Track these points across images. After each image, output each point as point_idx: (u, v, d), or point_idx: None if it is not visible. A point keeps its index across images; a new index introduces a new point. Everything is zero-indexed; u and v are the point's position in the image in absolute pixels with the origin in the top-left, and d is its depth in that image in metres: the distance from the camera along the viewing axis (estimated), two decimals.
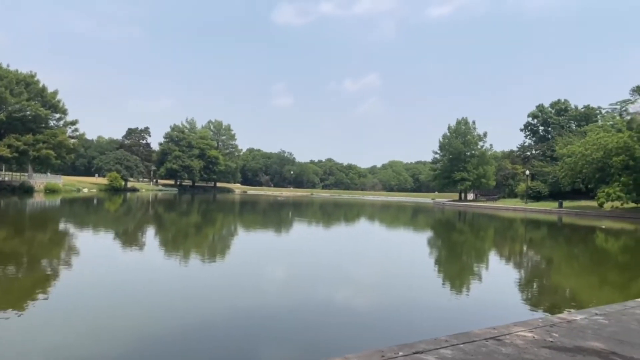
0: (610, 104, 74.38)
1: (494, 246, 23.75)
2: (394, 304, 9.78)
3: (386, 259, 16.79)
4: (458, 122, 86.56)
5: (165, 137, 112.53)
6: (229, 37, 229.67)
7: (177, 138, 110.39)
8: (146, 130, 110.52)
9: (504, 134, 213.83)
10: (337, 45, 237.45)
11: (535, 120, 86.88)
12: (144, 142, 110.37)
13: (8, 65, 62.94)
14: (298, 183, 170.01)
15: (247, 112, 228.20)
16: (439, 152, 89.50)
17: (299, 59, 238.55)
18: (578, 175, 54.89)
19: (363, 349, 4.10)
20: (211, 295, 9.70)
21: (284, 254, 16.96)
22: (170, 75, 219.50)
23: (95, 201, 50.79)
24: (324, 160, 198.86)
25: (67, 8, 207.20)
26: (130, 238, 20.07)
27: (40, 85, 65.18)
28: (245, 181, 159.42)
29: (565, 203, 58.65)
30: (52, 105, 66.39)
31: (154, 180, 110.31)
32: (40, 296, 8.99)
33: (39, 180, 64.51)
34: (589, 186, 55.65)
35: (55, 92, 66.88)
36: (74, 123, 70.77)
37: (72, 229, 23.04)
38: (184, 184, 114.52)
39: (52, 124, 68.28)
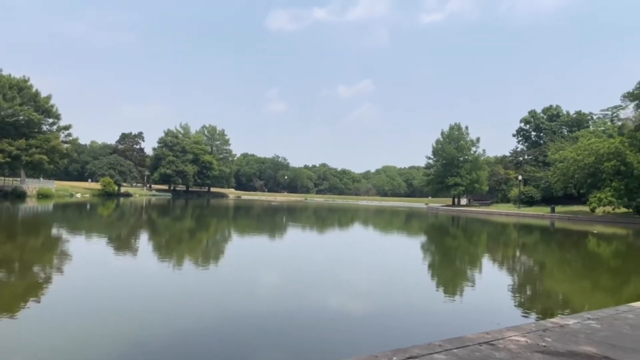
0: (602, 110, 74.87)
1: (487, 251, 23.84)
2: (388, 308, 9.80)
3: (380, 264, 16.80)
4: (451, 128, 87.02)
5: (159, 142, 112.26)
6: (223, 42, 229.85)
7: (171, 143, 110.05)
8: (140, 135, 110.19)
9: (496, 140, 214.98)
10: (331, 51, 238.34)
11: (528, 125, 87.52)
12: (138, 147, 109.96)
13: (1, 70, 62.80)
14: (292, 188, 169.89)
15: (241, 117, 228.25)
16: (432, 157, 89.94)
17: (293, 64, 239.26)
18: (570, 181, 55.24)
19: (357, 354, 4.12)
20: (204, 301, 9.66)
21: (277, 259, 16.94)
22: (164, 81, 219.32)
23: (88, 206, 50.49)
24: (318, 165, 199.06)
25: (60, 13, 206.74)
26: (122, 244, 19.97)
27: (34, 90, 64.87)
28: (240, 186, 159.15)
29: (558, 208, 58.98)
30: (46, 110, 66.07)
31: (148, 185, 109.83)
32: (31, 302, 8.93)
33: (32, 185, 64.06)
34: (581, 191, 56.02)
35: (49, 97, 66.60)
36: (67, 128, 70.52)
37: (63, 234, 22.89)
38: (177, 189, 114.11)
39: (45, 129, 67.94)
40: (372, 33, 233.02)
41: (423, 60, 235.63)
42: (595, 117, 79.05)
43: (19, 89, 62.49)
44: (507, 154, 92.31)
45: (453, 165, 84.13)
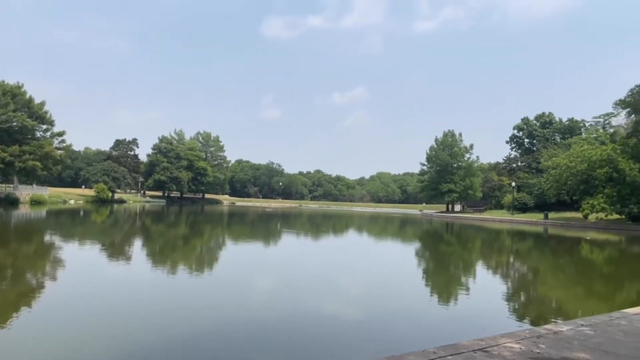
0: (594, 117, 75.88)
1: (481, 257, 23.90)
2: (383, 315, 9.81)
3: (375, 270, 16.80)
4: (445, 135, 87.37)
5: (153, 149, 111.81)
6: (218, 48, 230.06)
7: (166, 149, 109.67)
8: (134, 142, 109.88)
9: (490, 146, 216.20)
10: (326, 58, 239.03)
11: (521, 132, 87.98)
12: (132, 153, 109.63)
13: None
14: (287, 194, 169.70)
15: (236, 123, 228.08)
16: (426, 163, 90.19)
17: (288, 71, 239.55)
18: (563, 187, 55.54)
19: None
20: (198, 308, 9.62)
21: (272, 266, 16.90)
22: (159, 87, 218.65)
23: (81, 213, 50.21)
24: (312, 171, 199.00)
25: (54, 20, 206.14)
26: (115, 251, 19.87)
27: (27, 96, 64.65)
28: (234, 192, 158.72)
29: (551, 214, 59.24)
30: (39, 116, 65.81)
31: (142, 191, 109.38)
32: (23, 310, 8.87)
33: (25, 192, 63.65)
34: (574, 198, 56.32)
35: (43, 103, 66.39)
36: (61, 134, 70.20)
37: (56, 240, 22.74)
38: (172, 195, 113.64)
39: (39, 135, 67.67)
40: (366, 40, 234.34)
41: (417, 67, 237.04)
42: (587, 124, 79.86)
43: (13, 95, 62.21)
44: (501, 160, 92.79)
45: (447, 172, 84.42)
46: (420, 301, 11.57)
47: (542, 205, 64.60)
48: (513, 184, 72.32)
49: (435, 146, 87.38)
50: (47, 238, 24.46)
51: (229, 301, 10.45)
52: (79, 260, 16.13)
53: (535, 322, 8.99)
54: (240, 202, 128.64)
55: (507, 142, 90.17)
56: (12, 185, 64.39)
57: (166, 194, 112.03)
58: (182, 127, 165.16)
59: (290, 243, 27.67)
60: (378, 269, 17.57)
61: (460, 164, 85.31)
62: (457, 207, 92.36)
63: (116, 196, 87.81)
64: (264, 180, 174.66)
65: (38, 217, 41.03)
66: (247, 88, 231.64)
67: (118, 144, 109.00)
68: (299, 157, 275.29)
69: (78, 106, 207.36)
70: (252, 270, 15.49)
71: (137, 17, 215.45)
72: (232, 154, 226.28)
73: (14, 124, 62.16)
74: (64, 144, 72.11)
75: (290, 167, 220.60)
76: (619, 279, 17.46)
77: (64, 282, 12.07)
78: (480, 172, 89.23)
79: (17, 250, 18.43)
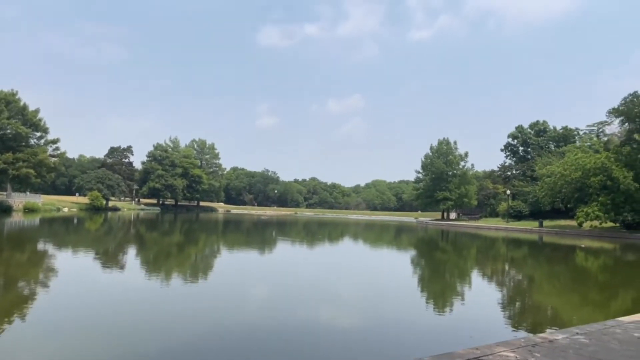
0: (588, 126, 76.26)
1: (476, 265, 23.89)
2: (378, 324, 9.76)
3: (370, 279, 16.75)
4: (440, 142, 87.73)
5: (148, 156, 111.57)
6: (214, 57, 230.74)
7: (160, 157, 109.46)
8: (129, 149, 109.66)
9: (485, 154, 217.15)
10: (321, 67, 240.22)
11: (515, 140, 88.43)
12: (127, 160, 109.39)
13: None
14: (282, 202, 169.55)
15: (232, 131, 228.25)
16: (421, 171, 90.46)
17: (283, 79, 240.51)
18: (557, 195, 55.76)
19: None
20: (194, 315, 9.55)
21: (267, 274, 16.82)
22: (154, 94, 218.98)
23: (75, 221, 49.90)
24: (308, 179, 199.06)
25: (48, 27, 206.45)
26: (109, 259, 19.73)
27: (22, 103, 64.48)
28: (229, 200, 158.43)
29: (546, 222, 59.42)
30: (33, 123, 65.59)
31: (136, 199, 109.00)
32: (15, 318, 8.77)
33: (18, 200, 63.23)
34: (568, 206, 56.54)
35: (37, 111, 66.19)
36: (55, 142, 69.97)
37: (49, 249, 22.57)
38: (166, 203, 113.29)
39: (33, 143, 67.39)
40: (362, 48, 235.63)
41: (412, 75, 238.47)
42: (581, 133, 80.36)
43: (7, 103, 62.01)
44: (496, 168, 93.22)
45: (442, 180, 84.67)
46: (415, 309, 11.53)
47: (537, 213, 64.82)
48: (508, 191, 72.59)
49: (431, 154, 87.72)
50: (39, 246, 24.28)
51: (223, 309, 10.36)
52: (71, 268, 16.00)
53: (530, 331, 8.97)
54: (236, 210, 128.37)
55: (501, 150, 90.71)
56: (5, 193, 63.94)
57: (161, 202, 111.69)
58: (178, 134, 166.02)
59: (286, 251, 27.57)
60: (373, 277, 17.52)
61: (455, 171, 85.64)
62: (453, 215, 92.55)
63: (110, 204, 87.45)
64: (260, 188, 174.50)
65: (31, 225, 40.75)
66: (243, 95, 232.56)
67: (112, 151, 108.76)
68: (294, 164, 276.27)
69: (72, 113, 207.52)
70: (245, 279, 15.40)
71: (132, 25, 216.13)
72: (227, 162, 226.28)
73: (8, 131, 61.93)
74: (58, 152, 71.93)
75: (286, 175, 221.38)
76: (614, 286, 17.49)
77: (55, 290, 11.95)
78: (475, 180, 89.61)
79: (9, 259, 18.26)
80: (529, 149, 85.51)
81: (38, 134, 67.66)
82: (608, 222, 49.58)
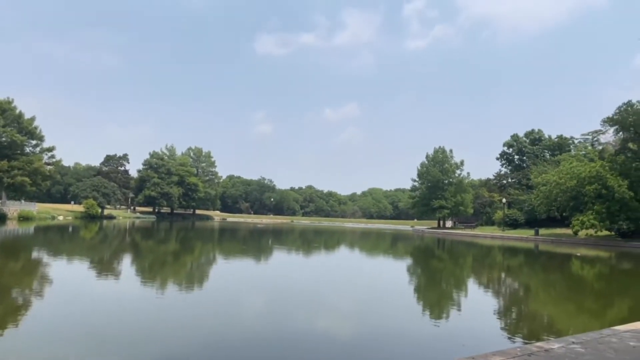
0: (583, 134, 76.85)
1: (472, 274, 23.89)
2: (373, 333, 9.73)
3: (366, 288, 16.71)
4: (436, 151, 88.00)
5: (144, 164, 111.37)
6: (210, 65, 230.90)
7: (156, 165, 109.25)
8: (125, 157, 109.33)
9: (480, 163, 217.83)
10: (317, 75, 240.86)
11: (511, 149, 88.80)
12: (122, 168, 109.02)
13: None
14: (278, 210, 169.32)
15: (228, 139, 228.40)
16: (417, 180, 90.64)
17: (280, 87, 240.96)
18: (553, 204, 55.92)
19: None
20: (189, 324, 9.49)
21: (263, 282, 16.76)
22: (150, 102, 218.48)
23: (70, 229, 49.65)
24: (304, 187, 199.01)
25: (44, 34, 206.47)
26: (104, 267, 19.60)
27: (17, 111, 64.37)
28: (225, 208, 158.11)
29: (541, 231, 59.56)
30: (29, 131, 65.45)
31: (132, 207, 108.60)
32: (9, 327, 8.70)
33: (13, 208, 62.89)
34: (564, 214, 56.72)
35: (32, 119, 66.09)
36: (50, 149, 69.83)
37: (43, 257, 22.42)
38: (162, 211, 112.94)
39: (29, 151, 67.24)
40: (358, 58, 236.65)
41: (408, 84, 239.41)
42: (576, 141, 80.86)
43: (2, 110, 61.94)
44: (491, 177, 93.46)
45: (438, 188, 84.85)
46: (411, 318, 11.51)
47: (533, 222, 64.97)
48: (504, 200, 72.80)
49: (426, 162, 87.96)
50: (34, 254, 24.12)
51: (218, 319, 10.30)
52: (65, 277, 15.90)
53: (526, 340, 8.96)
54: (232, 218, 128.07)
55: (497, 159, 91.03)
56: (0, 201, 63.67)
57: (156, 210, 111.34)
58: (174, 142, 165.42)
59: (282, 260, 27.49)
60: (369, 286, 17.48)
61: (451, 180, 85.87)
62: (449, 223, 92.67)
63: (106, 212, 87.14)
64: (256, 196, 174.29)
65: (26, 233, 40.51)
66: (239, 104, 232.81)
67: (108, 159, 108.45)
68: (290, 173, 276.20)
69: (68, 121, 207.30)
70: (241, 288, 15.33)
71: (128, 32, 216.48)
72: (223, 170, 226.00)
73: (3, 139, 61.78)
74: (54, 160, 71.74)
75: (282, 183, 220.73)
76: (610, 295, 17.51)
77: (49, 299, 11.85)
78: (471, 188, 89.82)
79: (2, 267, 18.12)
80: (525, 158, 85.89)
81: (34, 141, 67.52)
82: (603, 230, 49.75)
